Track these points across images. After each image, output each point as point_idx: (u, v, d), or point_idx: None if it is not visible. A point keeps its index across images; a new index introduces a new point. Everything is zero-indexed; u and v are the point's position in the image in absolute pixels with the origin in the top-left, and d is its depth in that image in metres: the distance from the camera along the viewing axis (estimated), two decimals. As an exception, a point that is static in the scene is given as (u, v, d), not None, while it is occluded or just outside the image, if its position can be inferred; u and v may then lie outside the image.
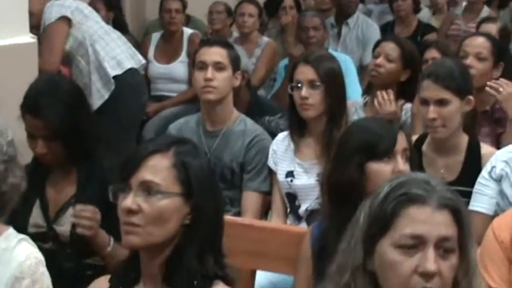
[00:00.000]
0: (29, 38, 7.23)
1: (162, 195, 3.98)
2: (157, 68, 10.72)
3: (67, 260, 5.36)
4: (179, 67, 10.66)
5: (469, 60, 7.72)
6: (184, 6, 11.38)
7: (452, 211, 3.43)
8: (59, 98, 5.79)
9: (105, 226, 5.49)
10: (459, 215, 3.45)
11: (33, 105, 5.67)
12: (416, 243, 3.35)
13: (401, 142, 5.11)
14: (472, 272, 3.46)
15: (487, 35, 8.44)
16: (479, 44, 7.97)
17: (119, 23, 10.97)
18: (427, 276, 3.33)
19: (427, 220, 3.38)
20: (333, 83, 6.62)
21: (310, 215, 6.21)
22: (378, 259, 3.43)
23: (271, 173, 6.70)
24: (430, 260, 3.31)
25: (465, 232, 3.45)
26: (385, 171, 4.98)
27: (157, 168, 4.00)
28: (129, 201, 3.95)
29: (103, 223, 5.50)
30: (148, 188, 3.98)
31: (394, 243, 3.38)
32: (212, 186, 4.27)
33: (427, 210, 3.39)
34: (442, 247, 3.37)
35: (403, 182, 3.53)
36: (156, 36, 11.11)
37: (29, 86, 5.91)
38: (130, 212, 3.97)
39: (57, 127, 5.57)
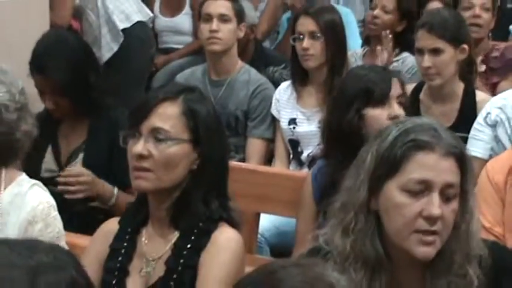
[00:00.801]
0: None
1: (171, 141, 4.04)
2: (163, 21, 10.71)
3: (77, 203, 5.39)
4: (184, 19, 10.65)
5: (477, 11, 7.76)
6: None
7: (457, 158, 3.48)
8: (65, 57, 5.85)
9: (113, 171, 5.57)
10: (463, 162, 3.50)
11: (40, 64, 5.74)
12: (423, 188, 3.40)
13: (396, 88, 5.18)
14: (471, 215, 3.51)
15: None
16: None
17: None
18: (431, 219, 3.38)
19: (434, 166, 3.43)
20: (333, 34, 6.69)
21: (312, 161, 6.22)
22: (384, 200, 3.47)
23: (275, 121, 6.76)
24: (435, 205, 3.36)
25: (467, 179, 3.51)
26: (381, 116, 5.04)
27: (167, 116, 4.05)
28: (139, 146, 4.01)
29: (111, 168, 5.60)
30: (158, 135, 4.04)
31: (401, 187, 3.42)
32: (219, 133, 4.32)
33: (434, 157, 3.43)
34: (446, 193, 3.42)
35: (412, 127, 3.55)
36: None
37: (37, 43, 5.94)
38: (140, 157, 4.04)
39: (63, 86, 5.64)
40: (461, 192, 3.48)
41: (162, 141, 4.03)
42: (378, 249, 3.48)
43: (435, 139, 3.46)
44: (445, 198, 3.41)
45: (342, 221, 3.55)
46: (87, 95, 5.82)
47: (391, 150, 3.46)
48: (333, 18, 6.86)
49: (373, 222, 3.50)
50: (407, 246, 3.43)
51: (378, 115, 5.05)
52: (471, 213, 3.54)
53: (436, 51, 6.34)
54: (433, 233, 3.40)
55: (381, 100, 5.08)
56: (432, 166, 3.41)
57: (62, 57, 5.80)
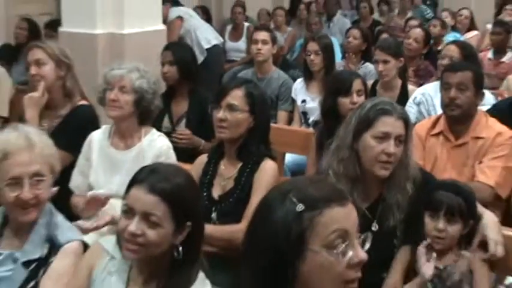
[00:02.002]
0: (162, 26, 7.10)
1: (239, 112, 4.02)
2: (230, 44, 10.70)
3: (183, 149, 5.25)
4: (241, 43, 10.65)
5: (411, 41, 7.71)
6: (244, 9, 11.33)
7: (405, 120, 3.57)
8: (187, 56, 5.96)
9: (202, 130, 5.46)
10: (408, 123, 3.60)
11: (174, 54, 5.82)
12: (385, 137, 3.50)
13: (356, 85, 5.13)
14: (410, 153, 3.61)
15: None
16: (416, 34, 7.85)
17: (208, 19, 10.90)
18: (389, 155, 3.48)
19: (392, 124, 3.52)
20: (327, 52, 6.67)
21: (315, 124, 6.20)
22: (362, 143, 3.56)
23: (293, 101, 6.69)
24: (392, 146, 3.49)
25: (409, 133, 3.59)
26: (346, 102, 5.03)
27: (236, 96, 4.03)
28: (220, 113, 4.00)
29: (200, 128, 5.52)
30: (231, 108, 4.02)
31: (372, 135, 3.53)
32: (265, 107, 4.28)
33: (392, 119, 3.52)
34: (398, 140, 3.51)
35: (378, 102, 3.66)
36: (229, 27, 11.04)
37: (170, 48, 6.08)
38: (221, 120, 4.00)
39: (184, 72, 5.72)
40: (405, 141, 3.53)
41: (234, 111, 4.02)
42: (357, 170, 3.58)
43: (392, 108, 3.56)
44: (398, 143, 3.47)
45: (337, 155, 3.60)
46: (192, 81, 5.81)
47: (367, 114, 3.56)
48: (328, 42, 6.86)
49: (355, 155, 3.57)
50: (373, 169, 3.52)
51: (344, 102, 5.04)
52: (410, 151, 3.60)
53: (385, 62, 6.32)
54: (388, 162, 3.47)
55: (345, 92, 5.06)
56: (391, 124, 3.51)
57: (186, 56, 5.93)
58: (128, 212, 2.71)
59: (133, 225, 2.67)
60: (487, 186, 4.40)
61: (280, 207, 2.10)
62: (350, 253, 2.08)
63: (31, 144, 3.13)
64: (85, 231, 3.67)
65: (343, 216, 2.10)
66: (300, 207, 2.07)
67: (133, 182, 2.76)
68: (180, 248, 2.73)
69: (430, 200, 3.47)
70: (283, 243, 2.07)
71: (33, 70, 4.82)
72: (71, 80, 4.91)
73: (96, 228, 3.70)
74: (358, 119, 3.57)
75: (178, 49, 6.09)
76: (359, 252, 2.10)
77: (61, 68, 4.87)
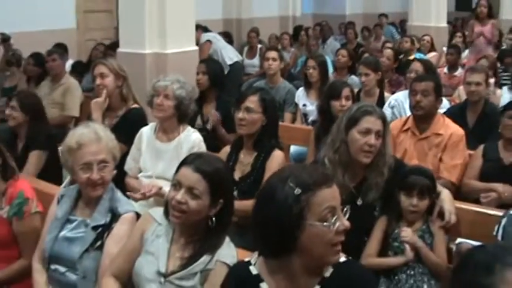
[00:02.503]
0: (195, 47, 7.10)
1: (255, 113, 4.05)
2: (247, 61, 10.69)
3: (211, 139, 5.25)
4: (256, 60, 10.64)
5: (385, 59, 7.75)
6: (258, 33, 11.37)
7: (383, 119, 3.55)
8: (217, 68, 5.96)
9: (226, 127, 5.47)
10: (385, 121, 3.57)
11: (205, 68, 5.83)
12: (367, 132, 3.48)
13: (345, 92, 5.11)
14: (386, 146, 3.57)
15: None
16: (388, 54, 7.94)
17: (230, 42, 10.89)
18: (371, 146, 3.48)
19: (373, 122, 3.51)
20: (323, 67, 6.61)
21: (313, 123, 6.14)
22: (350, 136, 3.54)
23: (296, 105, 6.59)
24: (372, 139, 3.48)
25: (386, 129, 3.56)
26: (337, 105, 5.03)
27: (252, 101, 4.07)
28: (240, 114, 4.06)
29: (224, 125, 5.51)
30: (248, 110, 4.05)
31: (357, 131, 3.52)
32: (275, 109, 4.32)
33: (373, 118, 3.52)
34: (377, 134, 3.49)
35: (363, 105, 3.67)
36: (246, 48, 11.05)
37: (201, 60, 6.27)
38: (241, 119, 4.06)
39: (213, 80, 5.73)
40: (383, 135, 3.51)
41: (251, 112, 4.04)
42: (347, 158, 3.53)
43: (373, 110, 3.55)
44: (377, 136, 3.44)
45: (332, 146, 3.58)
46: (220, 86, 5.83)
47: (354, 114, 3.54)
48: (323, 60, 6.79)
49: (345, 146, 3.52)
50: (358, 157, 3.50)
51: (335, 104, 5.04)
52: (387, 144, 3.58)
53: (367, 74, 6.27)
54: (370, 151, 3.46)
55: (337, 97, 5.06)
56: (372, 122, 3.50)
57: (216, 68, 5.93)
58: (177, 185, 2.77)
59: (180, 195, 2.73)
60: (450, 182, 4.52)
61: (282, 190, 2.18)
62: (337, 223, 2.18)
63: (99, 137, 3.22)
64: (136, 199, 3.83)
65: (331, 195, 2.19)
66: (298, 191, 2.15)
67: (183, 163, 2.84)
68: (214, 219, 2.79)
69: (405, 183, 3.52)
70: (286, 219, 2.15)
71: (98, 81, 4.87)
72: (126, 89, 4.94)
73: (144, 197, 3.75)
74: (348, 118, 3.56)
75: (210, 63, 6.12)
76: (344, 222, 2.21)
77: (119, 79, 4.91)
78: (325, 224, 2.15)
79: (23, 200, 3.51)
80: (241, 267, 2.44)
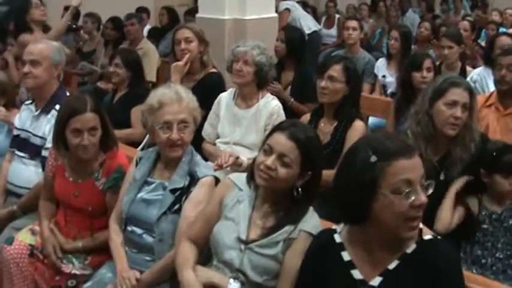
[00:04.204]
0: (275, 14, 7.03)
1: (338, 82, 4.06)
2: (324, 31, 10.48)
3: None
4: (333, 31, 10.66)
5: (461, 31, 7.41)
6: (335, 3, 11.26)
7: (470, 91, 3.45)
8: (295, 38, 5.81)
9: (305, 95, 5.37)
10: (472, 94, 3.46)
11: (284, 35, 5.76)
12: (454, 103, 3.37)
13: (427, 63, 5.06)
14: (473, 120, 3.47)
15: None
16: (465, 25, 7.67)
17: (310, 11, 10.79)
18: (457, 118, 3.36)
19: (460, 94, 3.39)
20: (405, 39, 6.51)
21: (392, 95, 6.07)
22: (435, 108, 3.42)
23: (375, 76, 6.50)
24: (459, 111, 3.38)
25: (473, 101, 3.46)
26: (418, 76, 5.01)
27: (335, 70, 4.13)
28: (323, 83, 4.06)
29: (303, 93, 5.41)
30: (332, 78, 4.06)
31: (443, 103, 3.40)
32: (358, 79, 4.34)
33: (460, 89, 3.38)
34: (464, 106, 3.39)
35: (449, 76, 3.61)
36: (323, 18, 11.07)
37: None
38: (323, 88, 4.04)
39: (290, 49, 5.67)
40: (470, 107, 3.41)
41: (334, 81, 3.98)
42: (430, 130, 3.43)
43: (461, 81, 3.50)
44: (463, 109, 3.38)
45: (415, 119, 3.48)
46: (298, 54, 5.75)
47: (440, 86, 3.42)
48: (406, 31, 6.67)
49: (429, 119, 3.42)
50: (444, 129, 3.41)
51: (416, 75, 5.01)
52: (474, 117, 3.47)
53: (450, 47, 6.03)
54: (456, 124, 3.35)
55: (418, 68, 5.01)
56: (459, 93, 3.40)
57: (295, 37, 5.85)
58: (268, 150, 2.69)
59: (270, 161, 2.65)
60: None
61: (359, 156, 2.18)
62: (412, 197, 2.13)
63: (180, 98, 3.18)
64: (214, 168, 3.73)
65: (409, 167, 2.14)
66: (373, 158, 2.14)
67: (277, 128, 2.76)
68: (300, 189, 2.70)
69: (502, 164, 3.35)
70: (358, 185, 2.15)
71: (183, 45, 4.85)
72: (207, 54, 4.94)
73: (220, 168, 3.73)
74: (433, 90, 3.45)
75: (290, 31, 6.03)
76: (420, 197, 2.14)
77: (201, 45, 4.90)
78: (398, 195, 2.12)
79: (120, 175, 3.50)
80: (326, 234, 2.45)
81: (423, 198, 2.14)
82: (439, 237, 2.30)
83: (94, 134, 3.44)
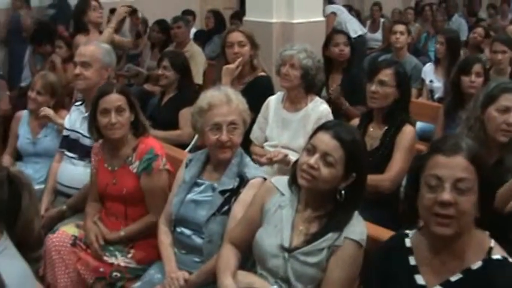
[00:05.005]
0: (322, 18, 7.07)
1: (388, 86, 3.99)
2: (369, 35, 10.43)
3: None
4: (378, 35, 10.58)
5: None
6: (380, 7, 11.18)
7: None
8: None
9: (353, 99, 5.34)
10: None
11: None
12: (506, 109, 3.31)
13: (476, 68, 5.00)
14: None
15: None
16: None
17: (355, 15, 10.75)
18: (509, 125, 3.30)
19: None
20: (452, 43, 6.38)
21: (439, 100, 5.99)
22: (487, 115, 3.36)
23: (423, 80, 6.44)
24: (511, 118, 3.30)
25: None
26: (466, 80, 4.96)
27: (386, 74, 4.06)
28: (373, 87, 4.01)
29: (351, 97, 5.38)
30: (382, 83, 4.00)
31: (495, 108, 3.33)
32: (408, 83, 4.24)
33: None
34: None
35: (502, 82, 3.55)
36: (368, 22, 11.00)
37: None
38: (373, 92, 3.98)
39: None
40: None
41: (384, 86, 3.99)
42: (482, 136, 3.35)
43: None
44: None
45: (467, 124, 3.44)
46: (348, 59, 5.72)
47: (492, 91, 3.36)
48: (452, 36, 6.55)
49: (481, 125, 3.36)
50: (496, 136, 3.36)
51: (464, 80, 4.94)
52: None
53: (503, 52, 5.90)
54: (508, 130, 3.34)
55: (467, 72, 4.95)
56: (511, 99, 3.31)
57: None
58: (311, 149, 2.65)
59: (313, 160, 2.61)
60: None
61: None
62: (436, 194, 2.14)
63: (230, 100, 3.20)
64: (261, 164, 3.82)
65: (443, 164, 2.16)
66: (424, 152, 2.28)
67: (321, 128, 2.72)
68: (343, 192, 2.65)
69: None
70: (410, 175, 2.34)
71: (236, 49, 4.88)
72: (257, 58, 4.97)
73: (270, 161, 3.73)
74: (485, 95, 3.39)
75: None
76: (444, 195, 2.12)
77: (252, 48, 4.93)
78: (427, 188, 2.18)
79: (153, 156, 3.58)
80: (397, 237, 2.42)
81: (446, 196, 2.12)
82: (510, 259, 2.23)
83: (121, 114, 3.56)
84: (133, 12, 6.15)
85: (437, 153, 2.18)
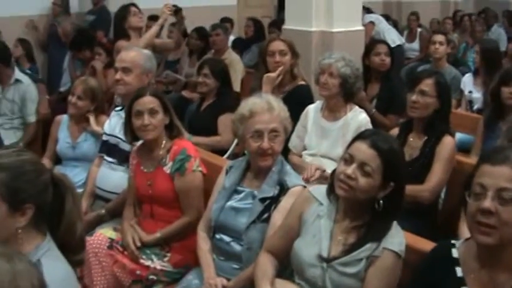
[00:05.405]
0: (361, 27, 7.05)
1: (429, 97, 3.96)
2: (407, 45, 10.45)
3: None
4: (415, 45, 10.57)
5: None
6: (418, 17, 11.15)
7: None
8: None
9: (391, 108, 5.32)
10: None
11: None
12: None
13: None
14: None
15: None
16: None
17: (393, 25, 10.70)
18: None
19: None
20: (488, 54, 6.27)
21: (478, 111, 5.90)
22: None
23: (462, 91, 6.35)
24: None
25: None
26: (506, 91, 4.87)
27: (427, 84, 4.04)
28: (414, 97, 3.98)
29: (389, 106, 5.35)
30: (423, 93, 3.97)
31: None
32: (449, 94, 4.16)
33: None
34: None
35: None
36: (405, 31, 10.92)
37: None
38: (414, 102, 3.96)
39: None
40: None
41: (425, 96, 3.95)
42: None
43: None
44: None
45: (506, 135, 3.46)
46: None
47: None
48: (488, 47, 6.44)
49: None
50: None
51: (504, 90, 4.86)
52: None
53: None
54: None
55: (507, 83, 4.86)
56: None
57: None
58: (348, 159, 2.63)
59: (350, 170, 2.59)
60: None
61: None
62: (479, 202, 2.14)
63: (271, 107, 3.21)
64: None
65: (488, 173, 2.16)
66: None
67: (358, 137, 2.70)
68: (381, 202, 2.62)
69: None
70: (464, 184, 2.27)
71: (277, 58, 4.91)
72: (297, 67, 4.99)
73: (307, 181, 3.71)
74: None
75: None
76: (485, 203, 2.12)
77: (293, 57, 4.96)
78: (472, 196, 2.18)
79: (185, 157, 3.62)
80: (444, 247, 2.40)
81: (486, 204, 2.11)
82: None
83: (154, 116, 3.61)
84: (177, 11, 6.15)
85: (485, 163, 2.19)
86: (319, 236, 2.73)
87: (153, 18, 7.56)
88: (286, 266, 2.96)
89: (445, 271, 2.32)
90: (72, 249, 2.26)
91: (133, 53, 4.36)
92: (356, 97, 4.53)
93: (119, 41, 6.00)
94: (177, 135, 3.74)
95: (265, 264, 2.92)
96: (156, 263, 3.60)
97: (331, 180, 2.76)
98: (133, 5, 6.25)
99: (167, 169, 3.64)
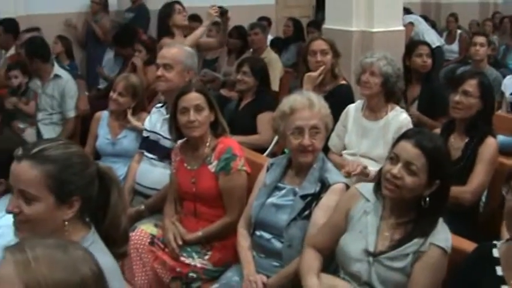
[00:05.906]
0: (402, 28, 6.99)
1: (472, 97, 3.90)
2: (446, 46, 10.31)
3: None
4: (454, 46, 10.43)
5: None
6: (457, 18, 11.01)
7: None
8: None
9: (432, 109, 5.24)
10: None
11: None
12: None
13: None
14: None
15: None
16: None
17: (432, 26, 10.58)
18: None
19: None
20: None
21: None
22: None
23: (502, 93, 6.28)
24: None
25: None
26: None
27: (470, 85, 3.96)
28: (457, 97, 3.91)
29: (430, 107, 5.28)
30: (466, 93, 3.91)
31: None
32: (492, 94, 4.12)
33: None
34: None
35: None
36: (444, 33, 10.82)
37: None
38: (457, 103, 3.88)
39: None
40: None
41: (468, 96, 3.90)
42: None
43: None
44: None
45: None
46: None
47: None
48: None
49: None
50: None
51: None
52: None
53: None
54: None
55: None
56: None
57: None
58: (394, 158, 2.66)
59: (396, 169, 2.62)
60: None
61: None
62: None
63: (312, 104, 3.21)
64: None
65: None
66: None
67: (403, 137, 2.72)
68: (427, 199, 2.65)
69: None
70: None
71: (319, 57, 4.92)
72: (338, 66, 4.98)
73: (348, 175, 3.70)
74: None
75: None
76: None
77: (335, 57, 4.97)
78: (508, 192, 2.27)
79: (231, 156, 3.62)
80: (485, 247, 2.41)
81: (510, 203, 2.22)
82: None
83: (200, 113, 3.60)
84: (223, 13, 6.16)
85: None
86: (366, 231, 2.76)
87: (194, 18, 7.59)
88: (330, 263, 2.98)
89: (485, 270, 2.33)
90: (116, 242, 2.28)
91: (175, 50, 4.38)
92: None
93: (163, 39, 6.04)
94: (222, 133, 3.73)
95: (311, 258, 2.94)
96: (197, 261, 3.61)
97: (378, 178, 2.79)
98: (178, 2, 6.28)
99: (212, 167, 3.64)
